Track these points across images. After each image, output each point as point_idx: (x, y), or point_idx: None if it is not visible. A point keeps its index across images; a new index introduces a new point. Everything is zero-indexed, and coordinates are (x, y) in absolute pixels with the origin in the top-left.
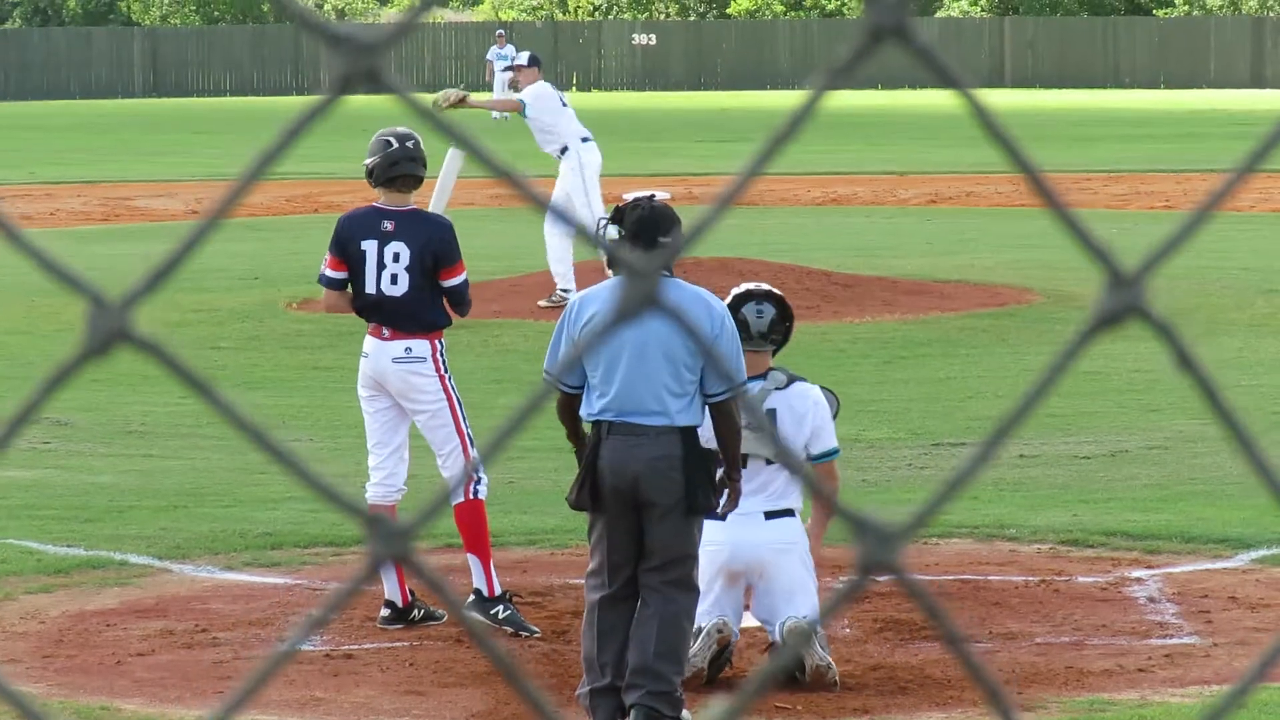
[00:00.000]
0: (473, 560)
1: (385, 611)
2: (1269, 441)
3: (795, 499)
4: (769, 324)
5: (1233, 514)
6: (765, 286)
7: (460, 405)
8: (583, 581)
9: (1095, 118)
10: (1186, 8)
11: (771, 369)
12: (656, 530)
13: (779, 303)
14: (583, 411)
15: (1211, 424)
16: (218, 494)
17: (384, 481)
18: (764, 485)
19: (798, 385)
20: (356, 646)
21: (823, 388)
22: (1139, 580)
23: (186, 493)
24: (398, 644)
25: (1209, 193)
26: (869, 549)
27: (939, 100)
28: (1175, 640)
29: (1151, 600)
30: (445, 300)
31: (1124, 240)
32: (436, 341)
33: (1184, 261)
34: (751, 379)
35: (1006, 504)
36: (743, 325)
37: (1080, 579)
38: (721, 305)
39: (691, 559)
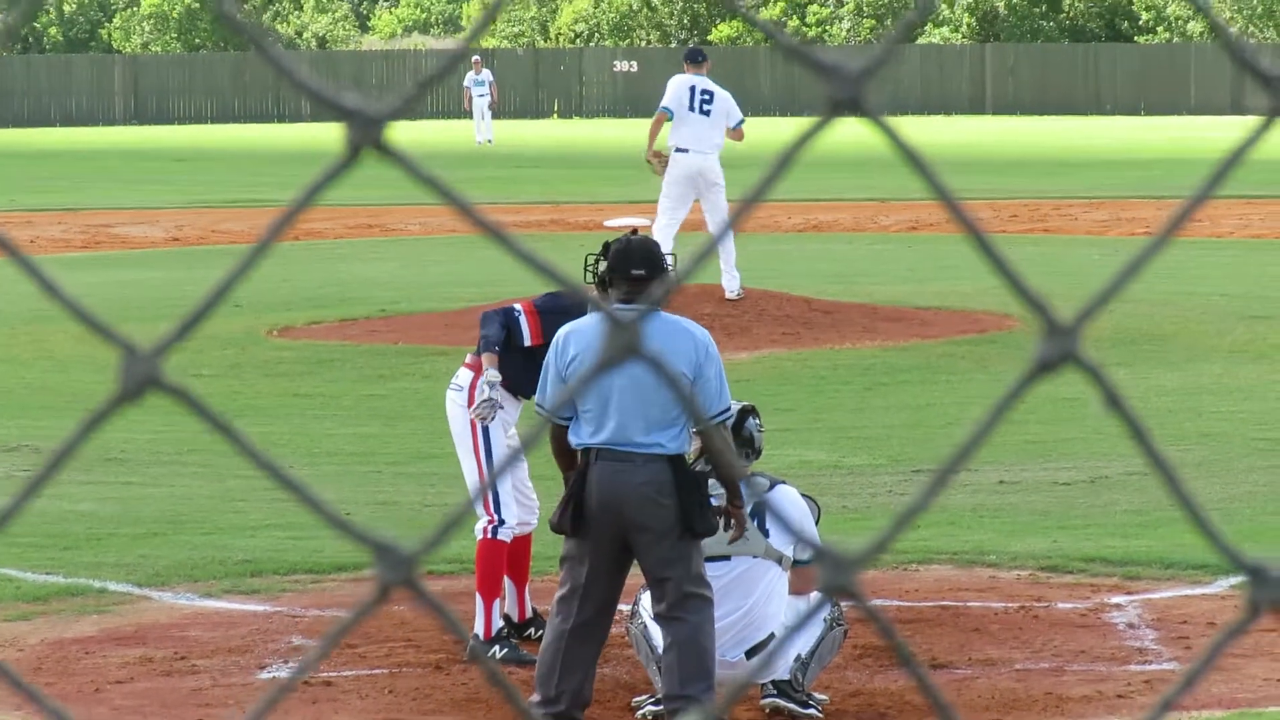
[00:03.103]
0: (477, 599)
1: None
2: (1246, 467)
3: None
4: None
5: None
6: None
7: (486, 446)
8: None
9: (1076, 144)
10: (1167, 35)
11: (751, 475)
12: (651, 555)
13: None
14: (572, 439)
15: (1191, 449)
16: (197, 521)
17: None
18: (746, 618)
19: (780, 488)
20: (335, 674)
21: (803, 494)
22: (1118, 606)
23: (166, 520)
24: (376, 671)
25: (1149, 236)
26: (828, 574)
27: (917, 130)
28: (1154, 666)
29: (1131, 626)
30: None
31: (1107, 264)
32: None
33: (1164, 287)
34: None
35: (986, 530)
36: (748, 441)
37: (1060, 605)
38: (704, 333)
39: (695, 577)
